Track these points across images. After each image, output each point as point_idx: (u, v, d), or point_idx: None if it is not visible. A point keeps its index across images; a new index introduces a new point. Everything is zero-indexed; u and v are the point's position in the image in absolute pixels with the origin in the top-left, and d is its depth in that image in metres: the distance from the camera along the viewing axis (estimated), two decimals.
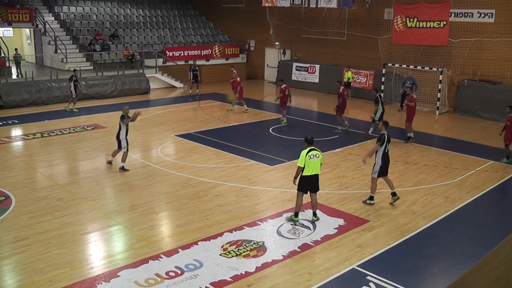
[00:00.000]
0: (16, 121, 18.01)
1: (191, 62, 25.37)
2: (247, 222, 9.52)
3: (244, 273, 7.62)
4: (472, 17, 20.65)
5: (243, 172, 12.62)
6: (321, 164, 9.41)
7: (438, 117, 20.53)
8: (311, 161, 9.15)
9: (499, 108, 18.54)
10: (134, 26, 29.38)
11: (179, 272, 7.59)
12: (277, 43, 28.87)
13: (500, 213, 10.47)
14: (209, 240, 8.67)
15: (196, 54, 28.16)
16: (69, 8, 28.20)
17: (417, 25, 21.68)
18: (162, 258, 8.02)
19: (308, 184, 9.33)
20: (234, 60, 29.74)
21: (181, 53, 27.74)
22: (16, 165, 12.93)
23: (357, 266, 7.92)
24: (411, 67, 21.77)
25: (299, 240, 8.79)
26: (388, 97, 22.78)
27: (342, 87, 17.15)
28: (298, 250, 8.43)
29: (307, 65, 26.83)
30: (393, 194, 10.53)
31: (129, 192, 11.17)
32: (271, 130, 17.29)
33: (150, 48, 27.18)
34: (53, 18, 27.20)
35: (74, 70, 20.21)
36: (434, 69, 21.14)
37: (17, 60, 24.19)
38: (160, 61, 26.59)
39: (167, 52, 27.08)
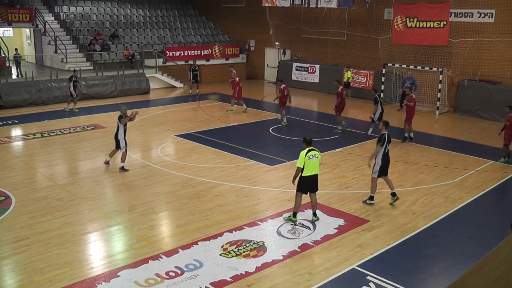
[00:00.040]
0: (16, 121, 18.01)
1: (191, 62, 25.38)
2: (247, 222, 9.52)
3: (244, 273, 7.62)
4: (472, 17, 20.65)
5: (243, 172, 12.62)
6: (320, 164, 9.41)
7: (438, 117, 20.54)
8: (310, 161, 9.15)
9: (499, 108, 18.53)
10: (134, 26, 29.38)
11: (179, 272, 7.59)
12: (277, 43, 28.87)
13: (500, 213, 10.47)
14: (209, 240, 8.67)
15: (196, 54, 28.16)
16: (69, 8, 28.20)
17: (417, 25, 21.68)
18: (162, 258, 8.02)
19: (308, 184, 9.32)
20: (234, 60, 29.74)
21: (181, 53, 27.75)
22: (16, 165, 12.93)
23: (357, 266, 7.92)
24: (411, 67, 21.77)
25: (299, 240, 8.79)
26: (388, 97, 22.79)
27: (341, 87, 17.17)
28: (298, 250, 8.43)
29: (307, 65, 26.83)
30: (393, 194, 10.53)
31: (129, 192, 11.17)
32: (271, 130, 17.30)
33: (150, 48, 27.18)
34: (53, 18, 27.20)
35: (74, 71, 20.21)
36: (434, 69, 21.14)
37: (17, 60, 24.19)
38: (160, 61, 26.59)
39: (167, 52, 27.09)
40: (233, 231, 9.07)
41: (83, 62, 24.95)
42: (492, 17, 20.07)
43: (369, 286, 7.34)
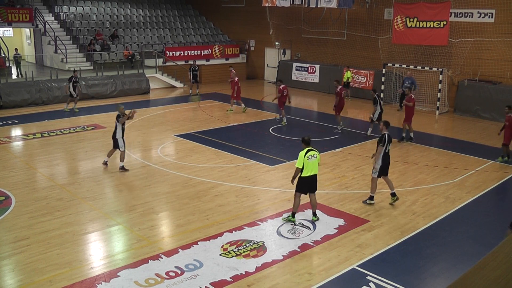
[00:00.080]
0: (16, 121, 18.01)
1: (191, 62, 25.38)
2: (247, 222, 9.52)
3: (244, 273, 7.62)
4: (472, 17, 20.65)
5: (243, 172, 12.62)
6: (318, 164, 9.41)
7: (438, 117, 20.54)
8: (309, 161, 9.14)
9: (499, 108, 18.53)
10: (134, 26, 29.38)
11: (179, 272, 7.59)
12: (277, 43, 28.87)
13: (500, 213, 10.47)
14: (209, 240, 8.67)
15: (196, 54, 28.16)
16: (69, 8, 28.20)
17: (417, 25, 21.68)
18: (162, 258, 8.02)
19: (307, 184, 9.32)
20: (234, 60, 29.74)
21: (181, 53, 27.75)
22: (16, 165, 12.93)
23: (357, 266, 7.92)
24: (411, 67, 21.77)
25: (299, 240, 8.79)
26: (388, 97, 22.80)
27: (340, 87, 17.19)
28: (298, 250, 8.43)
29: (307, 65, 26.83)
30: (393, 194, 10.53)
31: (129, 192, 11.17)
32: (271, 130, 17.30)
33: (150, 48, 27.18)
34: (53, 18, 27.20)
35: (74, 71, 20.22)
36: (434, 69, 21.14)
37: (17, 60, 24.19)
38: (160, 61, 26.60)
39: (167, 52, 27.09)
40: (233, 231, 9.07)
41: (83, 62, 24.95)
42: (492, 17, 20.07)
43: (369, 286, 7.34)
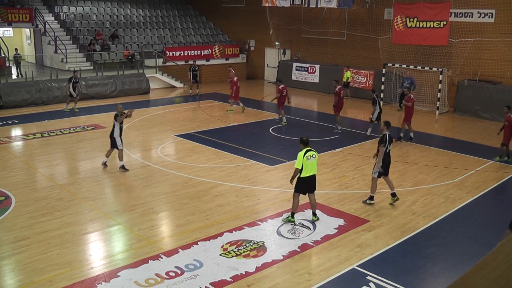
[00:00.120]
0: (16, 121, 18.02)
1: (191, 62, 25.38)
2: (247, 222, 9.52)
3: (244, 273, 7.62)
4: (472, 17, 20.65)
5: (243, 172, 12.62)
6: (316, 164, 9.41)
7: (438, 117, 20.54)
8: (308, 162, 9.14)
9: (499, 108, 18.52)
10: (134, 26, 29.38)
11: (179, 272, 7.59)
12: (277, 43, 28.87)
13: (500, 213, 10.46)
14: (209, 240, 8.67)
15: (196, 54, 28.16)
16: (69, 8, 28.21)
17: (417, 25, 21.68)
18: (162, 258, 8.02)
19: (306, 185, 9.32)
20: (234, 60, 29.75)
21: (181, 53, 27.75)
22: (16, 165, 12.93)
23: (357, 266, 7.92)
24: (411, 67, 21.77)
25: (299, 240, 8.79)
26: (388, 97, 22.80)
27: (338, 86, 17.20)
28: (298, 250, 8.43)
29: (307, 65, 26.83)
30: (393, 194, 10.53)
31: (129, 192, 11.17)
32: (271, 130, 17.30)
33: (150, 48, 27.18)
34: (53, 18, 27.20)
35: (74, 71, 20.22)
36: (434, 69, 21.14)
37: (17, 60, 24.19)
38: (160, 61, 26.60)
39: (167, 52, 27.09)
40: (233, 231, 9.07)
41: (83, 62, 24.95)
42: (492, 17, 20.07)
43: (369, 286, 7.33)
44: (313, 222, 9.56)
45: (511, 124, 13.75)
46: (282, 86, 18.18)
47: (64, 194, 10.85)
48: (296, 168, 9.15)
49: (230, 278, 7.46)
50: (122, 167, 12.47)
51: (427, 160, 14.06)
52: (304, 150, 9.17)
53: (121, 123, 12.47)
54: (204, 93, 24.61)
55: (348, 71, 23.73)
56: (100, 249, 8.40)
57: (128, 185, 11.65)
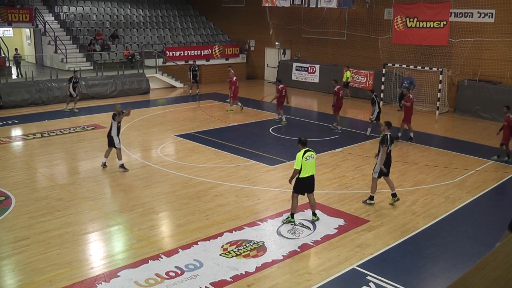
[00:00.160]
0: (16, 121, 18.02)
1: (191, 62, 25.38)
2: (247, 222, 9.52)
3: (244, 273, 7.62)
4: (472, 17, 20.65)
5: (243, 172, 12.62)
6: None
7: (438, 117, 20.54)
8: (307, 162, 9.15)
9: (499, 108, 18.51)
10: (134, 26, 29.38)
11: (179, 272, 7.59)
12: (277, 43, 28.87)
13: (500, 213, 10.46)
14: (209, 240, 8.67)
15: (196, 54, 28.16)
16: (69, 8, 28.21)
17: (417, 25, 21.68)
18: (162, 258, 8.02)
19: (305, 185, 9.32)
20: (234, 60, 29.75)
21: (181, 53, 27.75)
22: (16, 165, 12.93)
23: (357, 266, 7.92)
24: (411, 67, 21.77)
25: (299, 240, 8.79)
26: (388, 97, 22.81)
27: (337, 86, 17.23)
28: (298, 250, 8.43)
29: (307, 65, 26.83)
30: (393, 195, 10.52)
31: (129, 192, 11.17)
32: (271, 130, 17.30)
33: (150, 48, 27.18)
34: (53, 18, 27.20)
35: (74, 71, 20.21)
36: (434, 69, 21.14)
37: (17, 60, 24.19)
38: (160, 61, 26.60)
39: (167, 52, 27.09)
40: (233, 231, 9.07)
41: (83, 62, 24.96)
42: (492, 17, 20.07)
43: (369, 286, 7.33)
44: (313, 222, 9.56)
45: (510, 124, 13.77)
46: (281, 86, 18.21)
47: (64, 194, 10.85)
48: (295, 169, 9.15)
49: (230, 278, 7.46)
50: (122, 166, 12.47)
51: (427, 160, 14.06)
52: (303, 150, 9.16)
53: (119, 122, 12.49)
54: (204, 93, 24.61)
55: (348, 71, 23.73)
56: (100, 249, 8.40)
57: (128, 185, 11.65)
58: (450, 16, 20.81)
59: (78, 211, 9.93)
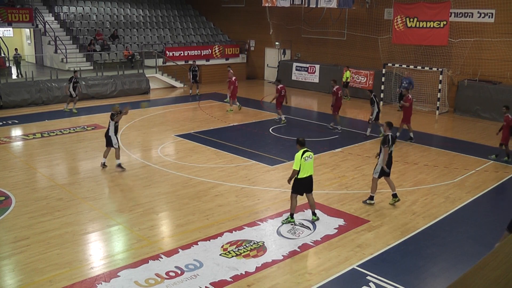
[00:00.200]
0: (16, 121, 18.01)
1: (191, 62, 25.38)
2: (247, 222, 9.52)
3: (244, 273, 7.62)
4: (472, 17, 20.65)
5: (243, 172, 12.62)
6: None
7: (438, 117, 20.54)
8: (306, 162, 9.15)
9: (499, 108, 18.48)
10: (134, 26, 29.38)
11: (179, 272, 7.59)
12: (277, 43, 28.87)
13: (500, 213, 10.46)
14: (209, 240, 8.67)
15: (196, 54, 28.16)
16: (69, 8, 28.21)
17: (417, 25, 21.68)
18: (162, 258, 8.02)
19: (304, 186, 9.32)
20: (234, 60, 29.75)
21: (181, 53, 27.75)
22: (16, 165, 12.93)
23: (357, 266, 7.92)
24: (411, 67, 21.78)
25: (299, 240, 8.79)
26: (388, 97, 22.81)
27: (336, 86, 17.25)
28: (298, 250, 8.43)
29: (307, 65, 26.83)
30: (394, 195, 10.52)
31: (129, 192, 11.17)
32: (271, 130, 17.30)
33: (150, 48, 27.18)
34: (53, 18, 27.20)
35: (75, 71, 20.20)
36: (434, 69, 21.15)
37: (17, 60, 24.20)
38: (160, 61, 26.60)
39: (167, 52, 27.09)
40: (233, 231, 9.07)
41: (83, 62, 24.95)
42: (492, 17, 20.07)
43: (369, 286, 7.33)
44: (313, 222, 9.56)
45: (509, 124, 13.80)
46: (280, 86, 18.24)
47: (64, 194, 10.85)
48: (294, 170, 9.15)
49: (230, 278, 7.46)
50: (119, 165, 12.47)
51: (427, 160, 14.06)
52: (302, 151, 9.16)
53: (117, 122, 12.50)
54: (204, 93, 24.61)
55: (348, 71, 23.74)
56: (100, 249, 8.40)
57: (128, 185, 11.65)
58: (450, 16, 20.81)
59: (78, 211, 9.93)
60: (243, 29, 30.99)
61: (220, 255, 8.15)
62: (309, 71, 26.69)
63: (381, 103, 21.84)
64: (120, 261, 7.90)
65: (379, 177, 10.32)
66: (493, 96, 19.68)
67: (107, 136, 12.48)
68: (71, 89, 19.28)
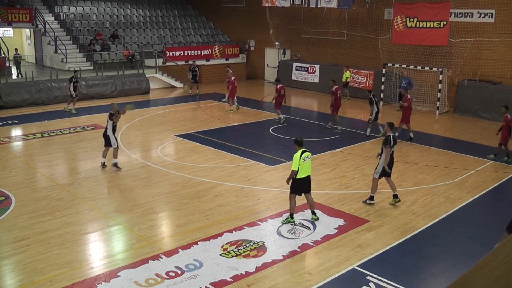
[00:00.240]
0: (16, 121, 18.01)
1: (191, 62, 25.38)
2: (247, 222, 9.52)
3: (244, 273, 7.62)
4: (472, 17, 20.65)
5: (243, 172, 12.62)
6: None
7: (438, 117, 20.54)
8: (304, 163, 9.16)
9: (499, 108, 18.45)
10: (134, 26, 29.38)
11: (179, 272, 7.59)
12: (277, 43, 28.87)
13: (500, 213, 10.46)
14: (209, 240, 8.67)
15: (196, 54, 28.16)
16: (69, 8, 28.21)
17: (417, 25, 21.68)
18: (162, 258, 8.02)
19: (302, 186, 9.33)
20: (234, 60, 29.75)
21: (181, 53, 27.75)
22: (16, 165, 12.93)
23: (357, 266, 7.92)
24: (411, 67, 21.78)
25: (299, 240, 8.79)
26: (388, 97, 22.81)
27: (335, 86, 17.28)
28: (298, 250, 8.43)
29: (307, 65, 26.83)
30: (395, 196, 10.52)
31: (129, 192, 11.17)
32: (271, 130, 17.30)
33: (150, 48, 27.18)
34: (53, 18, 27.20)
35: (75, 71, 20.20)
36: (434, 69, 21.15)
37: (17, 60, 24.20)
38: (160, 61, 26.59)
39: (167, 52, 27.09)
40: (233, 231, 9.07)
41: (83, 62, 24.95)
42: (492, 17, 20.07)
43: (369, 286, 7.33)
44: (313, 222, 9.56)
45: (508, 124, 13.82)
46: (280, 85, 18.27)
47: (64, 194, 10.85)
48: (293, 170, 9.15)
49: (230, 278, 7.46)
50: (115, 165, 12.49)
51: (427, 160, 14.06)
52: (300, 151, 9.16)
53: (115, 122, 12.51)
54: (204, 93, 24.61)
55: (348, 71, 23.74)
56: (100, 249, 8.40)
57: (128, 185, 11.65)
58: (450, 16, 20.81)
59: (78, 211, 9.93)
60: (243, 29, 30.99)
61: (220, 255, 8.15)
62: (309, 71, 26.69)
63: (381, 103, 21.86)
64: (120, 261, 7.90)
65: (380, 177, 10.31)
66: (493, 96, 19.68)
67: (105, 135, 12.49)
68: (71, 89, 19.28)
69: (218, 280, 7.38)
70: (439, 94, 20.88)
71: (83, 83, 21.62)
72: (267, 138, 16.32)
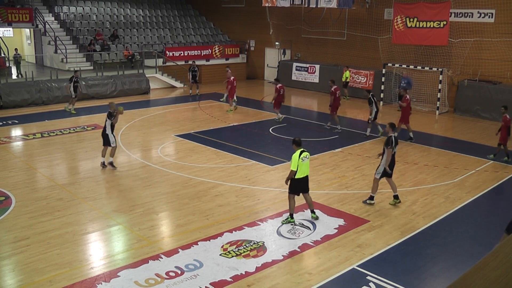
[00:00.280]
0: (16, 121, 18.01)
1: (191, 62, 25.39)
2: (247, 222, 9.52)
3: (244, 273, 7.62)
4: (472, 17, 20.65)
5: (243, 172, 12.62)
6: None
7: (438, 117, 20.54)
8: (303, 163, 9.17)
9: (499, 108, 18.41)
10: (134, 26, 29.38)
11: (179, 272, 7.59)
12: (277, 43, 28.87)
13: (500, 213, 10.46)
14: (209, 240, 8.67)
15: (196, 54, 28.16)
16: (69, 8, 28.20)
17: (417, 25, 21.68)
18: (162, 258, 8.02)
19: (301, 186, 9.34)
20: (234, 60, 29.75)
21: (181, 53, 27.75)
22: (16, 165, 12.93)
23: (357, 266, 7.92)
24: (411, 67, 21.78)
25: (299, 240, 8.79)
26: (388, 97, 22.81)
27: (334, 86, 17.29)
28: (298, 250, 8.43)
29: (307, 65, 26.83)
30: (395, 197, 10.52)
31: (129, 192, 11.17)
32: (271, 130, 17.30)
33: (150, 48, 27.18)
34: (53, 18, 27.20)
35: (75, 71, 20.20)
36: (434, 69, 21.15)
37: (17, 60, 24.20)
38: (160, 61, 26.59)
39: (167, 52, 27.09)
40: (233, 231, 9.07)
41: (83, 62, 24.95)
42: (492, 17, 20.07)
43: (369, 286, 7.34)
44: (313, 222, 9.56)
45: (507, 124, 13.84)
46: (279, 85, 18.29)
47: (64, 194, 10.85)
48: (292, 170, 9.15)
49: (230, 278, 7.46)
50: (111, 163, 12.52)
51: (427, 160, 14.06)
52: (299, 151, 9.17)
53: (113, 122, 12.52)
54: (204, 93, 24.61)
55: (347, 71, 23.74)
56: (100, 249, 8.40)
57: (128, 185, 11.65)
58: (450, 16, 20.81)
59: (78, 211, 9.93)
60: (243, 29, 30.98)
61: (220, 255, 8.15)
62: (309, 71, 26.69)
63: (381, 103, 21.86)
64: (120, 261, 7.90)
65: (381, 177, 10.31)
66: (493, 96, 19.68)
67: (104, 135, 12.51)
68: (71, 89, 19.28)
69: (218, 280, 7.38)
70: (439, 94, 20.88)
71: (83, 83, 21.62)
72: (267, 138, 16.32)
